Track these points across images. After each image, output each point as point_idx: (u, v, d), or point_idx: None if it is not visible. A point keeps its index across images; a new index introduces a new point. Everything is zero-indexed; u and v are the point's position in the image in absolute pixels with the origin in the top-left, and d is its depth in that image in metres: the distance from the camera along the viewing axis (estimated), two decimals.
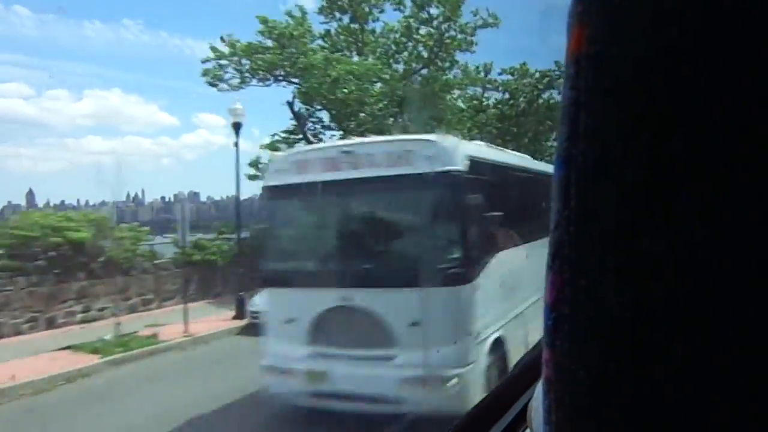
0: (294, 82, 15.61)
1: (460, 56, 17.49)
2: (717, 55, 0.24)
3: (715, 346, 0.24)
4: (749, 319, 0.24)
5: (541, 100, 19.22)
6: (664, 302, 0.25)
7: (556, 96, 17.99)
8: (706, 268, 0.24)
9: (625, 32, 0.26)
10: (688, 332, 0.24)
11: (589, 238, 0.27)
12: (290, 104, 15.92)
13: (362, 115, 15.18)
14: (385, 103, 15.34)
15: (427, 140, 5.93)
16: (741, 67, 0.24)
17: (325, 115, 16.39)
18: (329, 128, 16.38)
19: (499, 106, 19.81)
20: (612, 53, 0.26)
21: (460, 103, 18.39)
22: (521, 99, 19.45)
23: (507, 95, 19.78)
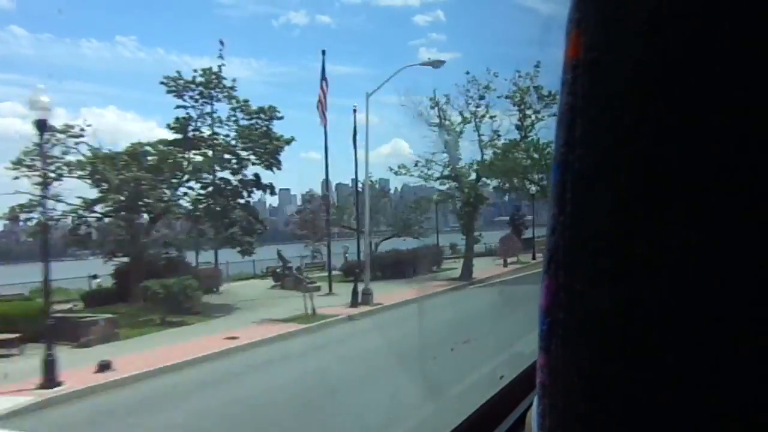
0: None
1: None
2: (713, 62, 0.24)
3: (707, 350, 0.24)
4: (741, 323, 0.24)
5: None
6: (657, 307, 0.25)
7: None
8: (699, 273, 0.24)
9: (622, 39, 0.26)
10: (680, 336, 0.25)
11: (584, 242, 0.27)
12: None
13: None
14: None
15: None
16: (736, 73, 0.24)
17: None
18: None
19: None
20: (608, 60, 0.27)
21: None
22: None
23: None
